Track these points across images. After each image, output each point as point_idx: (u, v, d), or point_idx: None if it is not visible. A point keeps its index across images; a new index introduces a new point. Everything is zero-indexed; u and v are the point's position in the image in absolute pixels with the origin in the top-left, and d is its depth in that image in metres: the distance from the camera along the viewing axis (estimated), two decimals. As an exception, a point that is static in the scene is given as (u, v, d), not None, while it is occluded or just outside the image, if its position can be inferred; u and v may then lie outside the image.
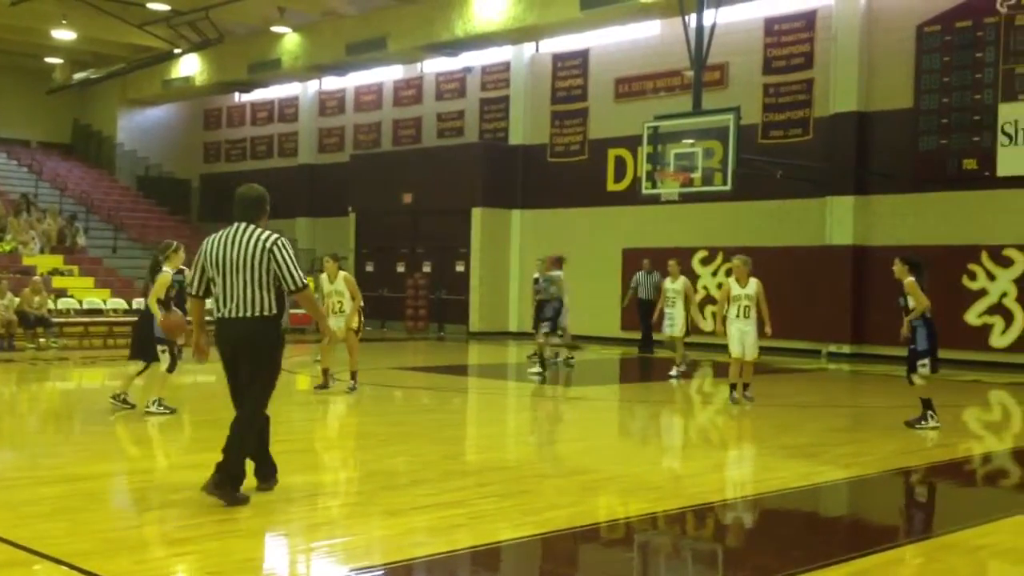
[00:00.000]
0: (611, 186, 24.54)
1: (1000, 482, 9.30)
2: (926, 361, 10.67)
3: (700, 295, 22.13)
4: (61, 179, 31.51)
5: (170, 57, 30.70)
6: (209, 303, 7.01)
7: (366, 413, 11.70)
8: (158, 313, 10.85)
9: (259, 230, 6.79)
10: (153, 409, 10.79)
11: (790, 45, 21.68)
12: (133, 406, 11.03)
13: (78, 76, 33.33)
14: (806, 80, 21.42)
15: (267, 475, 7.13)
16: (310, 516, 6.68)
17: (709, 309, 22.11)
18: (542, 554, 6.14)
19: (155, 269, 11.14)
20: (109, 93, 34.56)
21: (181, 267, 17.83)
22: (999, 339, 18.59)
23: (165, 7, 26.07)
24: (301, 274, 6.79)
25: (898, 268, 10.75)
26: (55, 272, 24.49)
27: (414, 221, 27.66)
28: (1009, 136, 18.45)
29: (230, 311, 6.76)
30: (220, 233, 6.87)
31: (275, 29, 28.12)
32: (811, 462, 9.15)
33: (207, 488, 6.62)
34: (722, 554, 6.41)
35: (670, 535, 6.71)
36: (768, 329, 12.42)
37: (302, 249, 31.13)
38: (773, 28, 21.94)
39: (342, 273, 13.05)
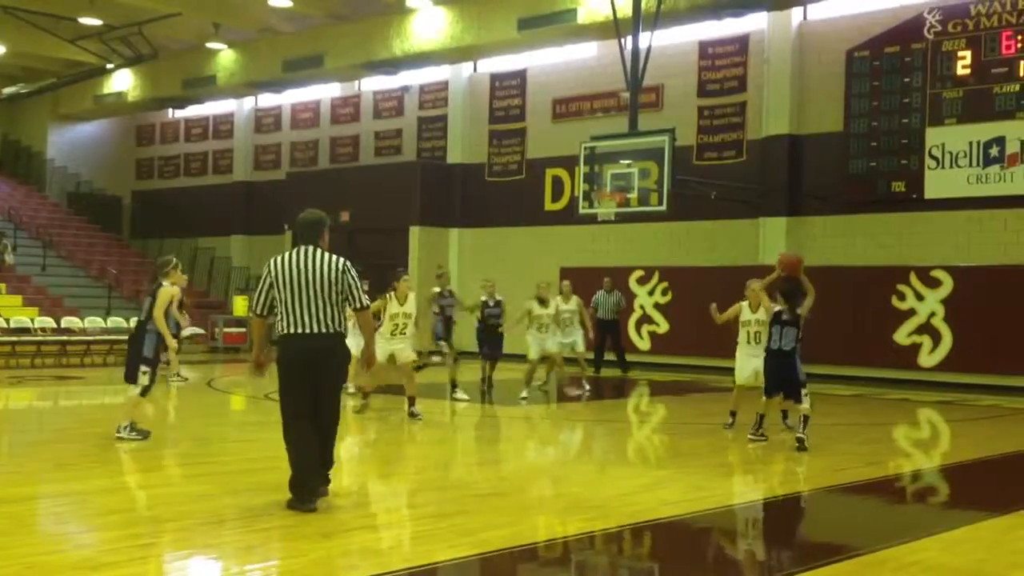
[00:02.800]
0: (549, 206, 24.65)
1: (929, 499, 9.46)
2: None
3: (637, 314, 22.29)
4: (-11, 195, 30.85)
5: (102, 72, 30.23)
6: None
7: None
8: (164, 328, 10.34)
9: (328, 253, 7.36)
10: (124, 435, 10.11)
11: (724, 68, 21.99)
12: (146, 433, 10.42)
13: (7, 90, 32.66)
14: (739, 103, 21.74)
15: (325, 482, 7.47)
16: (243, 538, 6.57)
17: (646, 328, 22.27)
18: (478, 575, 6.10)
19: (156, 285, 10.51)
20: (39, 108, 33.90)
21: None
22: (927, 358, 18.94)
23: (98, 22, 25.67)
24: (365, 296, 7.53)
25: (779, 301, 10.99)
26: (-19, 290, 23.93)
27: (351, 239, 27.47)
28: (936, 159, 18.88)
29: (305, 327, 7.20)
30: (286, 255, 7.34)
31: (210, 45, 27.84)
32: (744, 480, 9.23)
33: (317, 496, 7.17)
34: (658, 573, 6.42)
35: (607, 554, 6.71)
36: None
37: (236, 267, 30.78)
38: (707, 51, 22.24)
39: None
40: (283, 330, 7.29)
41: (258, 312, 7.45)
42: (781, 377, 10.84)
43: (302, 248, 7.38)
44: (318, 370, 7.25)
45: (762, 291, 11.44)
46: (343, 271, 7.30)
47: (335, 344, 7.33)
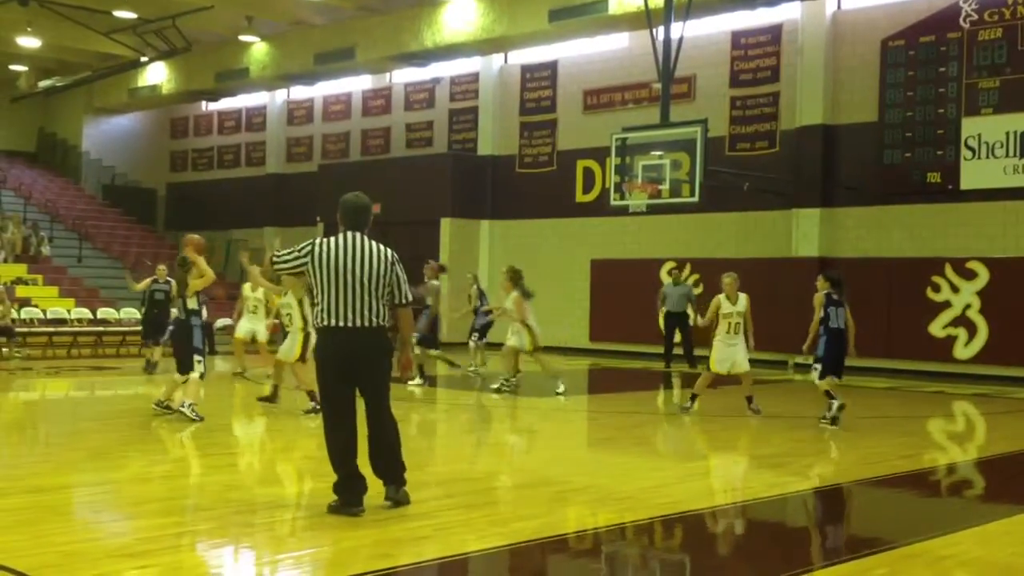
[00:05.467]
0: (580, 197, 24.60)
1: (964, 492, 9.38)
2: (818, 367, 11.97)
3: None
4: (26, 188, 31.18)
5: (137, 65, 30.47)
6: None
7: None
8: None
9: (376, 242, 6.90)
10: (186, 411, 10.92)
11: (757, 59, 21.83)
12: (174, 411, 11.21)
13: (43, 84, 32.99)
14: (772, 93, 21.57)
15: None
16: (275, 528, 6.62)
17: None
18: (509, 565, 6.12)
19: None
20: (75, 101, 34.24)
21: (168, 279, 17.42)
22: (963, 351, 18.76)
23: (132, 15, 25.87)
24: (409, 292, 7.03)
25: (820, 283, 12.19)
26: (19, 281, 24.21)
27: (383, 231, 27.23)
28: (972, 150, 18.67)
29: (348, 321, 6.70)
30: (332, 240, 6.82)
31: (243, 38, 27.97)
32: (778, 472, 9.18)
33: (390, 504, 6.87)
34: (690, 565, 6.41)
35: (638, 546, 6.70)
36: (751, 342, 12.62)
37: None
38: (740, 41, 22.09)
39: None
40: (321, 322, 6.76)
41: (275, 266, 6.98)
42: (842, 354, 11.90)
43: (349, 234, 6.84)
44: (360, 368, 6.76)
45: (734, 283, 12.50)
46: (393, 263, 6.84)
47: (380, 340, 6.81)
